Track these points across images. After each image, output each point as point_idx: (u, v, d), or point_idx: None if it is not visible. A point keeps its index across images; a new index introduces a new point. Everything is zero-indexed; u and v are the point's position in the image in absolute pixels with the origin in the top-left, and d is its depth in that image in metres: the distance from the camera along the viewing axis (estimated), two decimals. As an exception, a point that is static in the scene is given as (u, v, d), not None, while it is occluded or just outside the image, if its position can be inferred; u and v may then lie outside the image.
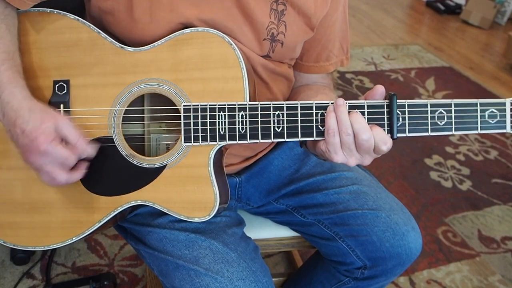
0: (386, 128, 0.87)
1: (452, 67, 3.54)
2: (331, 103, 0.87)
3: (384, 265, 1.06)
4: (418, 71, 3.40)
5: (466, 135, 2.68)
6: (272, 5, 0.95)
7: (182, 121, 0.90)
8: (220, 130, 0.89)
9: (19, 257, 1.64)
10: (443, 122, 0.87)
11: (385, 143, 0.85)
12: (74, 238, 0.95)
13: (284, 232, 1.22)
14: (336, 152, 0.87)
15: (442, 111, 0.87)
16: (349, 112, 0.86)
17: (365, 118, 0.86)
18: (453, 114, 0.86)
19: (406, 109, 0.86)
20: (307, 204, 1.12)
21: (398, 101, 0.86)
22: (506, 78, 3.49)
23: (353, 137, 0.85)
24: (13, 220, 0.95)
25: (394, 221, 1.04)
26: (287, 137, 0.89)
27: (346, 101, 0.87)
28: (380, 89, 0.87)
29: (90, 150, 0.88)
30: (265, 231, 1.22)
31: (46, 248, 0.96)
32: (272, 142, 1.16)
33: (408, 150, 2.48)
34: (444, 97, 3.09)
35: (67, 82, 0.92)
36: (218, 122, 0.89)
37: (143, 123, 0.97)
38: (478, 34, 4.24)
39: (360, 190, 1.09)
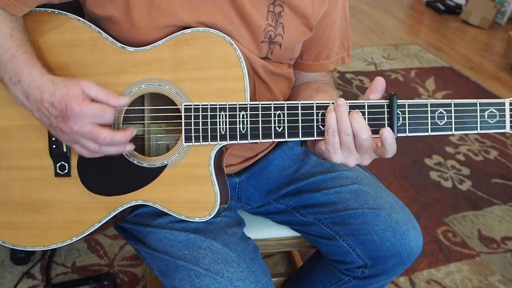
0: None
1: (452, 67, 3.54)
2: (332, 103, 0.87)
3: (385, 264, 1.06)
4: (418, 71, 3.40)
5: (466, 135, 2.68)
6: (269, 7, 0.95)
7: (183, 120, 0.90)
8: (221, 130, 0.89)
9: (19, 257, 1.63)
10: (443, 122, 0.87)
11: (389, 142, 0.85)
12: (73, 238, 0.95)
13: (284, 232, 1.22)
14: (335, 151, 0.87)
15: (442, 111, 0.87)
16: (349, 112, 0.86)
17: (365, 118, 0.86)
18: (453, 114, 0.87)
19: (407, 109, 0.87)
20: (307, 204, 1.12)
21: (398, 101, 0.86)
22: (506, 78, 3.49)
23: (353, 137, 0.85)
24: (12, 220, 0.95)
25: (394, 220, 1.04)
26: (288, 137, 0.89)
27: (346, 101, 0.87)
28: (380, 80, 0.87)
29: (124, 101, 0.88)
30: (265, 231, 1.22)
31: (45, 248, 0.96)
32: (273, 142, 1.16)
33: (408, 150, 2.48)
34: (444, 97, 3.09)
35: None
36: (219, 122, 0.89)
37: (144, 123, 0.97)
38: (478, 34, 4.25)
39: (360, 190, 1.09)
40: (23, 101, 0.87)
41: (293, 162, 1.16)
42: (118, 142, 0.87)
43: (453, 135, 2.67)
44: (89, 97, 0.85)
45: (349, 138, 0.85)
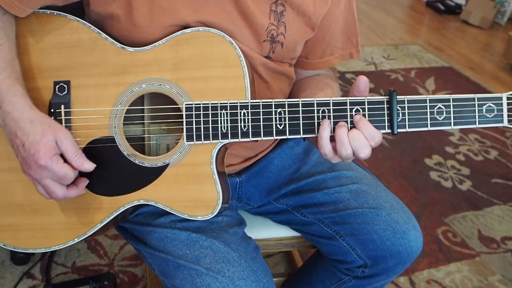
0: (386, 124, 0.88)
1: (452, 67, 3.54)
2: (332, 100, 0.88)
3: (385, 263, 1.06)
4: (418, 71, 3.41)
5: (466, 135, 2.68)
6: (271, 6, 0.96)
7: (184, 119, 0.90)
8: (222, 128, 0.89)
9: (19, 257, 1.63)
10: (442, 117, 0.88)
11: (374, 138, 0.87)
12: (75, 240, 0.95)
13: (284, 232, 1.22)
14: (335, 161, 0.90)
15: (441, 106, 0.88)
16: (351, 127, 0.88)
17: (365, 114, 0.87)
18: (451, 109, 0.88)
19: (406, 105, 0.88)
20: (307, 204, 1.12)
21: (397, 97, 0.87)
22: (506, 78, 3.49)
23: (352, 154, 0.87)
24: (13, 222, 0.95)
25: (394, 220, 1.04)
26: (289, 134, 0.89)
27: (347, 98, 0.88)
28: (362, 80, 0.88)
29: (88, 167, 0.88)
30: (265, 231, 1.22)
31: (46, 250, 0.96)
32: (274, 141, 1.16)
33: (408, 150, 2.48)
34: (444, 97, 3.09)
35: (67, 82, 0.92)
36: (220, 120, 0.89)
37: (144, 123, 0.97)
38: (478, 34, 4.25)
39: (360, 189, 1.09)
40: (0, 125, 0.87)
41: (293, 161, 1.16)
42: (71, 198, 0.90)
43: (453, 134, 2.67)
44: (60, 151, 0.86)
45: (349, 156, 0.87)
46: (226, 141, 0.90)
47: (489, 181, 2.36)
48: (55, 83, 0.92)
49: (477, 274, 1.82)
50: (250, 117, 0.89)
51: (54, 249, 0.95)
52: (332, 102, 0.88)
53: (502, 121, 0.88)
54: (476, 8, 4.34)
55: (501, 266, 1.87)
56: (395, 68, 3.41)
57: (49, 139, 0.84)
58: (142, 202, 0.93)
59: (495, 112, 0.88)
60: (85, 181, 0.90)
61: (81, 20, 0.93)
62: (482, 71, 3.56)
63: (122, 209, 0.94)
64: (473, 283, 1.78)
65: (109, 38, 0.92)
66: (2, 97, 0.85)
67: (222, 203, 0.93)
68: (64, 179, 0.86)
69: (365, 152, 0.86)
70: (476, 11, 4.33)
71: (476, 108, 0.88)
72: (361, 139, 0.86)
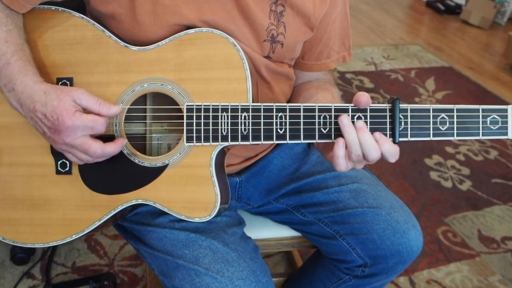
0: (388, 132, 0.87)
1: (452, 67, 3.55)
2: (333, 106, 0.87)
3: (385, 263, 1.06)
4: (418, 71, 3.41)
5: (466, 135, 2.68)
6: (271, 6, 0.96)
7: (184, 120, 0.90)
8: (223, 131, 0.89)
9: (19, 257, 1.63)
10: (445, 127, 0.87)
11: (394, 155, 0.86)
12: (73, 236, 0.95)
13: (284, 232, 1.22)
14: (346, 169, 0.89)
15: (444, 116, 0.87)
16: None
17: (367, 122, 0.87)
18: (455, 120, 0.87)
19: (409, 114, 0.87)
20: (307, 203, 1.12)
21: (400, 105, 0.86)
22: (506, 78, 3.49)
23: (363, 156, 0.86)
24: (12, 217, 0.95)
25: (394, 219, 1.04)
26: (290, 139, 0.89)
27: (350, 105, 0.87)
28: (364, 100, 0.87)
29: (116, 109, 0.88)
30: (265, 231, 1.22)
31: (45, 245, 0.96)
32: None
33: (408, 150, 2.48)
34: (444, 97, 3.09)
35: (70, 79, 0.93)
36: (221, 122, 0.89)
37: (145, 122, 0.97)
38: (478, 34, 4.25)
39: (360, 189, 1.09)
40: (17, 108, 0.88)
41: (293, 161, 1.16)
42: (109, 154, 0.89)
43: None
44: (81, 108, 0.85)
45: (359, 157, 0.86)
46: (226, 143, 0.90)
47: (489, 181, 2.36)
48: (58, 79, 0.93)
49: (477, 274, 1.82)
50: (250, 120, 0.89)
51: (53, 245, 0.96)
52: (334, 109, 0.88)
53: (506, 134, 0.87)
54: (476, 8, 4.34)
55: (501, 266, 1.87)
56: (395, 68, 3.41)
57: (67, 99, 0.84)
58: (140, 201, 0.93)
59: (500, 124, 0.86)
60: (123, 139, 0.90)
61: (86, 17, 0.93)
62: (482, 71, 3.56)
63: (120, 208, 0.94)
64: (473, 283, 1.79)
65: (113, 36, 0.92)
66: (14, 78, 0.86)
67: (221, 205, 0.93)
68: (96, 128, 0.86)
69: (375, 154, 0.85)
70: (476, 11, 4.33)
71: (480, 120, 0.86)
72: (369, 139, 0.85)
